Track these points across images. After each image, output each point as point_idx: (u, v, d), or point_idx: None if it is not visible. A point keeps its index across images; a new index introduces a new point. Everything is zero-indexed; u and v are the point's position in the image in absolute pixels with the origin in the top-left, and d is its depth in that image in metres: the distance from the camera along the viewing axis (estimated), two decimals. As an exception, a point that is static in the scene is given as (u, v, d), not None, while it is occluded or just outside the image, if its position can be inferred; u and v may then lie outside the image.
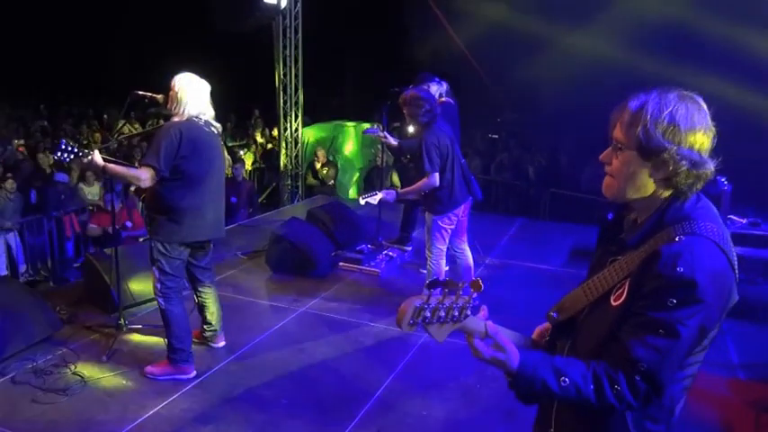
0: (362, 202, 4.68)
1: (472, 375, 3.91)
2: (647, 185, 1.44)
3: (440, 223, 4.57)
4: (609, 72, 9.25)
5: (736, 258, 1.40)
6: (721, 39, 7.98)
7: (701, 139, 1.39)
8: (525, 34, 10.37)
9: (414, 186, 4.53)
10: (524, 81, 11.37)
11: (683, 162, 1.37)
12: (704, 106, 1.42)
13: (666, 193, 1.44)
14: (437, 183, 4.43)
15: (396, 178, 9.80)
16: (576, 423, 1.54)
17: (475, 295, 1.36)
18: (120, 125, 9.07)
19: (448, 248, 4.75)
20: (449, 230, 4.62)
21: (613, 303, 1.43)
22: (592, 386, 1.35)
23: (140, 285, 4.62)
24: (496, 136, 12.61)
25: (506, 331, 1.52)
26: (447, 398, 3.62)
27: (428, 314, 1.32)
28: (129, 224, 7.57)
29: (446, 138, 4.52)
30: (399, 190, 4.82)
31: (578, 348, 1.51)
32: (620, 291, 1.42)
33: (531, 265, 6.16)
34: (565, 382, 1.36)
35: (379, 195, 4.59)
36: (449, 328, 1.37)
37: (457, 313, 1.35)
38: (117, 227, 7.48)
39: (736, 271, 1.40)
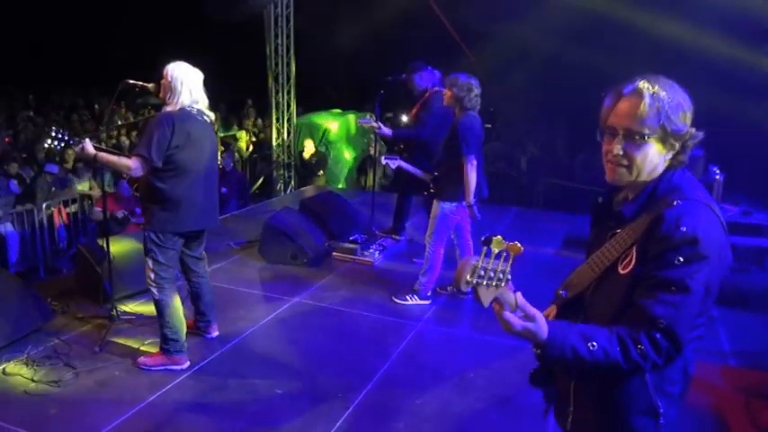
0: (383, 161, 4.88)
1: (466, 364, 3.92)
2: (660, 166, 1.55)
3: (447, 212, 4.56)
4: (603, 61, 9.25)
5: (725, 225, 1.52)
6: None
7: (691, 115, 1.53)
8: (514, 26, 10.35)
9: (468, 182, 4.39)
10: (518, 70, 11.36)
11: (691, 141, 1.52)
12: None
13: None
14: (474, 165, 4.40)
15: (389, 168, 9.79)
16: (597, 396, 1.60)
17: (513, 257, 1.42)
18: (109, 115, 8.98)
19: (450, 239, 4.74)
20: (455, 220, 4.62)
21: (622, 272, 1.51)
22: (618, 347, 1.41)
23: (133, 275, 4.59)
24: (489, 126, 12.61)
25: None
26: (441, 386, 3.63)
27: (482, 273, 1.38)
28: (138, 210, 7.55)
29: (478, 129, 4.51)
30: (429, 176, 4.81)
31: (592, 320, 1.56)
32: (628, 259, 1.50)
33: (524, 253, 6.16)
34: (593, 346, 1.41)
35: (400, 163, 4.80)
36: (493, 291, 1.42)
37: (501, 276, 1.41)
38: (124, 213, 7.51)
39: (727, 233, 1.51)
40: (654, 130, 1.49)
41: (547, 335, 1.42)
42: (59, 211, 7.61)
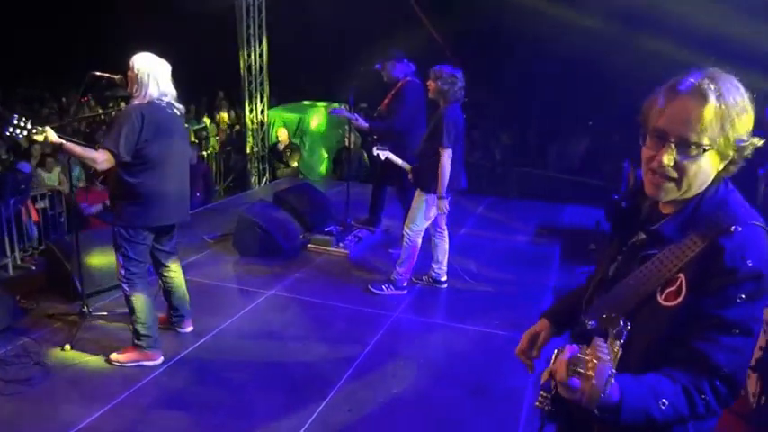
0: (375, 152, 4.92)
1: (441, 353, 3.97)
2: (710, 179, 1.34)
3: (429, 203, 4.57)
4: (576, 49, 9.34)
5: None
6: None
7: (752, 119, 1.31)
8: (490, 12, 10.38)
9: (442, 174, 4.42)
10: (491, 60, 11.41)
11: (749, 151, 1.32)
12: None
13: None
14: (450, 158, 4.42)
15: (366, 159, 9.76)
16: None
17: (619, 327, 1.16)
18: (75, 107, 8.78)
19: (427, 229, 4.77)
20: (435, 212, 4.62)
21: (665, 303, 1.31)
22: (684, 400, 1.25)
23: (104, 271, 4.52)
24: (464, 116, 12.64)
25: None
26: (417, 375, 3.66)
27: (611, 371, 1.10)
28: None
29: (461, 121, 4.54)
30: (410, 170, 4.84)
31: (629, 353, 1.28)
32: (673, 288, 1.30)
33: (498, 242, 6.23)
34: (664, 404, 1.22)
35: (389, 154, 4.87)
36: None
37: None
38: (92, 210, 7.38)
39: None
40: (715, 142, 1.26)
41: (618, 396, 1.18)
42: (28, 208, 7.44)
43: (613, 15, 8.99)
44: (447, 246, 4.94)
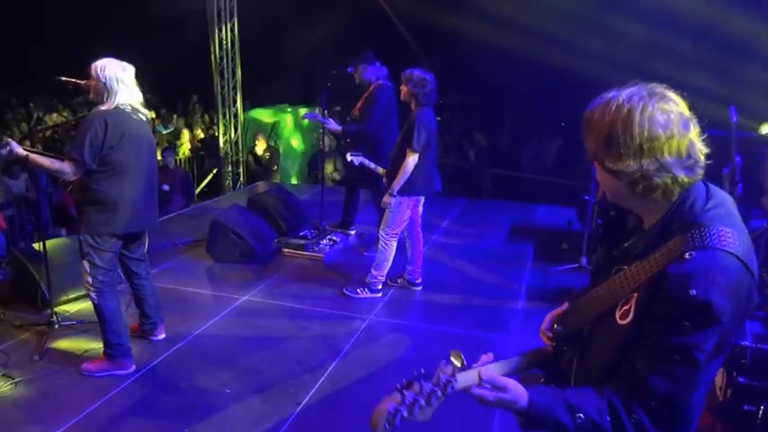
0: (349, 158, 4.92)
1: (415, 355, 3.98)
2: (631, 197, 1.34)
3: (403, 206, 4.58)
4: (548, 53, 9.46)
5: (754, 259, 1.29)
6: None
7: (672, 142, 1.27)
8: (462, 16, 10.47)
9: (401, 171, 4.46)
10: (464, 63, 11.50)
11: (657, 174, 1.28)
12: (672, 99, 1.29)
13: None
14: (415, 162, 4.43)
15: (340, 163, 9.76)
16: None
17: (456, 369, 1.30)
18: (39, 115, 8.63)
19: (402, 231, 4.78)
20: (408, 214, 4.65)
21: (619, 321, 1.34)
22: (608, 418, 1.28)
23: (73, 280, 4.43)
24: (439, 118, 12.73)
25: (501, 365, 1.47)
26: (391, 379, 3.63)
27: (405, 414, 1.27)
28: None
29: (434, 124, 4.55)
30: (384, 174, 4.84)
31: (587, 362, 1.44)
32: (627, 307, 1.33)
33: (472, 243, 6.28)
34: (580, 418, 1.28)
35: (363, 159, 4.88)
36: (434, 407, 1.30)
37: (440, 392, 1.28)
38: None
39: (756, 273, 1.28)
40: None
41: (526, 404, 1.30)
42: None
43: (583, 16, 9.14)
44: (421, 248, 4.97)
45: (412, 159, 4.43)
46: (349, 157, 4.95)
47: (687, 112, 1.29)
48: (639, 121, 1.25)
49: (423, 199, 4.76)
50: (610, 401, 1.28)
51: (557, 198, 8.24)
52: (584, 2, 9.14)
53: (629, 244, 1.41)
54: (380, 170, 4.89)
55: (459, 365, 1.31)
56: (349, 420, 3.26)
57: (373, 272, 4.79)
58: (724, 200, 1.33)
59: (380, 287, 4.83)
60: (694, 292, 1.20)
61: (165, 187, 8.16)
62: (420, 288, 4.98)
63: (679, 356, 1.24)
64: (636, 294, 1.31)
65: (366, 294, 4.78)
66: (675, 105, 1.28)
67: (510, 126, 11.94)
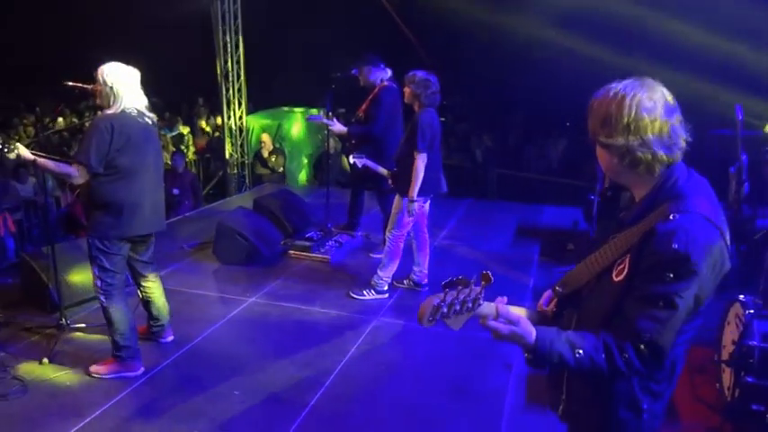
0: (352, 160, 4.93)
1: (422, 356, 3.99)
2: (622, 170, 1.57)
3: (411, 207, 4.55)
4: (553, 53, 9.46)
5: (727, 229, 1.51)
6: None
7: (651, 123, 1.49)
8: (467, 17, 10.46)
9: (415, 176, 4.44)
10: (469, 64, 11.50)
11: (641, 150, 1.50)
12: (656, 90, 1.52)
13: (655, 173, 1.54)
14: (425, 162, 4.44)
15: (347, 163, 9.77)
16: (586, 389, 1.69)
17: (485, 286, 1.51)
18: (47, 120, 8.67)
19: (408, 232, 4.79)
20: (415, 216, 4.63)
21: (615, 279, 1.55)
22: (603, 355, 1.48)
23: (81, 283, 4.47)
24: (444, 119, 12.73)
25: (516, 308, 1.65)
26: (398, 379, 3.68)
27: (445, 310, 1.47)
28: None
29: (437, 125, 4.56)
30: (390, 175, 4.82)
31: (585, 320, 1.64)
32: (622, 266, 1.54)
33: (478, 244, 6.28)
34: (579, 354, 1.49)
35: (366, 161, 4.86)
36: (464, 317, 1.51)
37: (471, 304, 1.49)
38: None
39: (728, 241, 1.50)
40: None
41: (533, 340, 1.50)
42: (5, 219, 7.33)
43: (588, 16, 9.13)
44: (428, 249, 4.98)
45: (421, 160, 4.42)
46: (352, 160, 4.95)
47: (672, 102, 1.51)
48: (629, 104, 1.49)
49: (429, 200, 4.76)
50: (605, 341, 1.48)
51: (563, 198, 8.22)
52: (588, 2, 9.12)
53: (623, 215, 1.64)
54: (385, 172, 4.90)
55: (486, 283, 1.52)
56: (356, 421, 3.27)
57: (379, 273, 4.80)
58: (702, 180, 1.57)
59: (386, 288, 4.84)
60: (676, 246, 1.42)
61: (175, 191, 8.20)
62: (426, 289, 4.98)
63: (663, 302, 1.45)
64: (629, 255, 1.52)
65: (372, 296, 4.79)
66: (662, 95, 1.51)
67: (515, 126, 11.93)
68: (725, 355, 3.33)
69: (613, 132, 1.51)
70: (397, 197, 4.72)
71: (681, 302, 1.44)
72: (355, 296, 4.80)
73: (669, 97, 1.52)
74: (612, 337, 1.49)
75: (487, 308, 1.54)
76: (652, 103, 1.48)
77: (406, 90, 4.57)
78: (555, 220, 7.24)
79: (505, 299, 1.61)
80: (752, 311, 3.15)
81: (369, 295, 4.79)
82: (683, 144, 1.52)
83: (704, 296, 1.48)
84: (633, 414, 1.61)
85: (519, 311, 1.62)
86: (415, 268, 4.97)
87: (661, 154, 1.50)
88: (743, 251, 4.52)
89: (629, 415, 1.61)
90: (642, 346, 1.46)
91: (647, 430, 1.64)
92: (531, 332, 1.51)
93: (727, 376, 3.27)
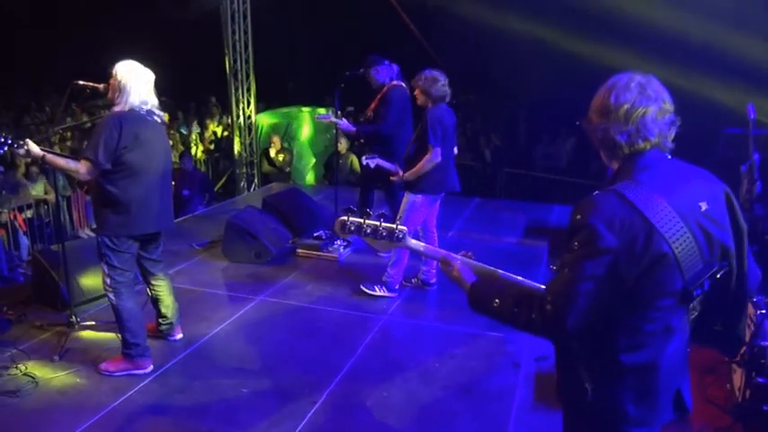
0: (364, 161, 4.89)
1: (430, 355, 3.98)
2: (600, 149, 1.69)
3: (418, 204, 4.57)
4: (562, 51, 9.41)
5: (666, 216, 1.49)
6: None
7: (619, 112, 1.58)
8: (475, 17, 10.44)
9: (418, 166, 4.45)
10: (477, 63, 11.46)
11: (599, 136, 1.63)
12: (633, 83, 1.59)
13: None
14: (439, 157, 4.41)
15: (356, 162, 9.76)
16: (558, 365, 1.76)
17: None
18: (59, 117, 8.74)
19: (416, 230, 4.77)
20: (424, 212, 4.62)
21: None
22: (515, 309, 1.60)
23: (91, 281, 4.50)
24: (453, 115, 12.69)
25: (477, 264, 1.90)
26: (406, 378, 3.67)
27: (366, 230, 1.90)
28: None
29: (450, 118, 4.52)
30: (402, 174, 4.72)
31: None
32: None
33: (486, 243, 6.26)
34: (496, 303, 1.66)
35: (378, 161, 4.81)
36: (383, 244, 1.94)
37: (384, 233, 1.91)
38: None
39: (660, 225, 1.48)
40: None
41: (469, 286, 1.77)
42: (15, 218, 7.40)
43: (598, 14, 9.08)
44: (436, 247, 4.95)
45: (434, 153, 4.39)
46: (364, 161, 4.90)
47: (652, 93, 1.56)
48: (610, 93, 1.59)
49: (439, 198, 4.74)
50: (530, 296, 1.59)
51: (571, 197, 8.18)
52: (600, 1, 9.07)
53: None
54: (399, 171, 4.85)
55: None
56: (364, 419, 3.27)
57: (389, 270, 4.78)
58: (679, 173, 1.61)
59: (397, 287, 4.83)
60: (579, 216, 1.52)
61: (186, 192, 8.24)
62: (435, 288, 4.97)
63: (568, 269, 1.51)
64: None
65: (383, 292, 4.77)
66: (640, 86, 1.57)
67: (524, 125, 11.89)
68: (737, 357, 3.30)
69: (592, 114, 1.64)
70: (405, 194, 4.70)
71: (584, 271, 1.47)
72: (366, 290, 4.79)
73: (651, 89, 1.57)
74: (536, 295, 1.58)
75: (416, 244, 1.96)
76: (626, 92, 1.56)
77: (417, 91, 4.54)
78: (563, 218, 7.21)
79: (470, 253, 1.90)
80: (763, 311, 3.12)
81: (380, 291, 4.78)
82: (656, 136, 1.56)
83: (627, 274, 1.47)
84: (578, 393, 1.62)
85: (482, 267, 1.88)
86: (424, 267, 4.96)
87: (619, 140, 1.57)
88: (755, 251, 4.47)
89: (575, 394, 1.64)
90: (548, 307, 1.51)
91: (601, 419, 1.63)
92: (468, 280, 1.79)
93: (737, 377, 3.25)
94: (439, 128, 4.41)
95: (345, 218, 1.90)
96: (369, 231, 1.89)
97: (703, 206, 1.56)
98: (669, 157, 1.64)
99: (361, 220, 1.90)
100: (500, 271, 1.88)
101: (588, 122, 1.65)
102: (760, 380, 3.00)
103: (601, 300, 1.49)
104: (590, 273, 1.47)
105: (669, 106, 1.60)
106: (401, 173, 4.77)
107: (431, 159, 4.42)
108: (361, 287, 4.84)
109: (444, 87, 4.47)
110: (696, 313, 1.64)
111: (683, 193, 1.55)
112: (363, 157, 4.95)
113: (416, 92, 4.56)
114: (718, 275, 1.58)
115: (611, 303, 1.51)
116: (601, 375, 1.60)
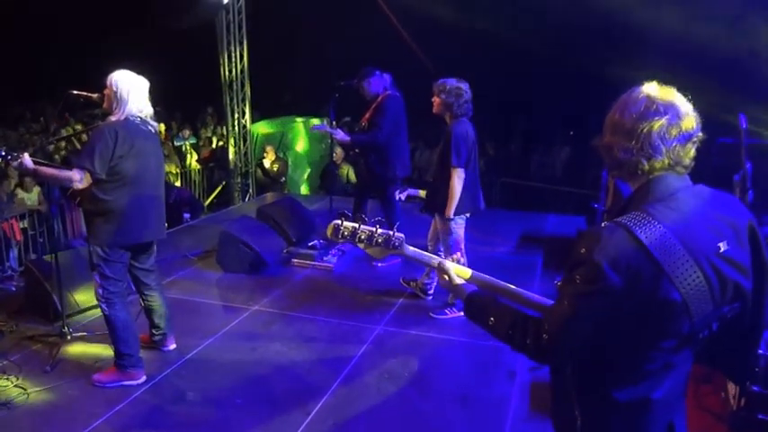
0: (397, 196, 4.81)
1: (425, 364, 3.96)
2: (611, 168, 1.60)
3: (454, 226, 4.39)
4: (557, 61, 9.46)
5: (679, 260, 1.36)
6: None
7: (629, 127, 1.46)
8: (470, 26, 10.50)
9: (450, 195, 4.25)
10: (472, 73, 11.50)
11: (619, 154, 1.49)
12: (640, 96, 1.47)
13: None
14: (462, 178, 4.23)
15: (351, 173, 9.78)
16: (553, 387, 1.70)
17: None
18: (55, 127, 8.72)
19: (427, 246, 4.69)
20: (463, 230, 4.45)
21: None
22: (510, 332, 1.55)
23: (84, 291, 4.48)
24: (474, 131, 12.71)
25: (461, 269, 1.87)
26: (401, 387, 3.66)
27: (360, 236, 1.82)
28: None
29: (472, 136, 4.33)
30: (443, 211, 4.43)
31: None
32: None
33: (481, 252, 6.25)
34: (492, 321, 1.62)
35: (408, 191, 4.72)
36: (380, 250, 1.84)
37: (380, 240, 1.82)
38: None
39: (671, 270, 1.35)
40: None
41: (466, 297, 1.74)
42: (11, 227, 7.36)
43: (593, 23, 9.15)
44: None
45: (458, 176, 4.21)
46: (398, 196, 4.77)
47: (653, 106, 1.42)
48: (618, 107, 1.49)
49: (465, 219, 4.52)
50: (525, 322, 1.53)
51: (566, 207, 8.21)
52: (593, 8, 9.13)
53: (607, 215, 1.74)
54: (422, 193, 4.72)
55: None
56: (359, 430, 3.24)
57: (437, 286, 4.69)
58: (699, 205, 1.44)
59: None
60: (583, 250, 1.39)
61: (186, 215, 8.22)
62: (431, 297, 4.96)
63: (567, 301, 1.42)
64: None
65: (454, 314, 4.56)
66: (650, 102, 1.43)
67: (519, 135, 11.93)
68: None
69: (604, 131, 1.53)
70: (437, 218, 4.52)
71: (583, 309, 1.40)
72: (437, 317, 4.58)
73: (662, 101, 1.43)
74: (533, 319, 1.52)
75: (411, 251, 1.86)
76: (633, 105, 1.45)
77: (436, 100, 4.32)
78: (558, 228, 7.22)
79: (464, 259, 1.85)
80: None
81: (451, 314, 4.58)
82: (663, 154, 1.42)
83: (633, 317, 1.37)
84: (569, 420, 1.57)
85: (463, 273, 1.84)
86: (426, 279, 4.91)
87: (623, 159, 1.46)
88: None
89: (566, 419, 1.58)
90: (545, 336, 1.45)
91: None
92: (464, 292, 1.76)
93: (732, 385, 3.24)
94: (464, 147, 4.22)
95: (339, 221, 1.82)
96: (363, 237, 1.81)
97: (722, 246, 1.41)
98: (688, 178, 1.50)
99: (356, 225, 1.83)
100: (500, 283, 1.84)
101: (600, 140, 1.53)
102: (755, 388, 3.00)
103: (599, 339, 1.42)
104: (589, 312, 1.40)
105: (687, 122, 1.43)
106: (419, 192, 4.69)
107: (459, 182, 4.24)
108: (431, 315, 4.61)
109: (468, 105, 4.29)
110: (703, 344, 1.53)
111: (701, 232, 1.40)
112: (396, 192, 4.81)
113: (435, 101, 4.34)
114: (729, 316, 1.47)
115: (610, 342, 1.43)
116: (591, 407, 1.53)
